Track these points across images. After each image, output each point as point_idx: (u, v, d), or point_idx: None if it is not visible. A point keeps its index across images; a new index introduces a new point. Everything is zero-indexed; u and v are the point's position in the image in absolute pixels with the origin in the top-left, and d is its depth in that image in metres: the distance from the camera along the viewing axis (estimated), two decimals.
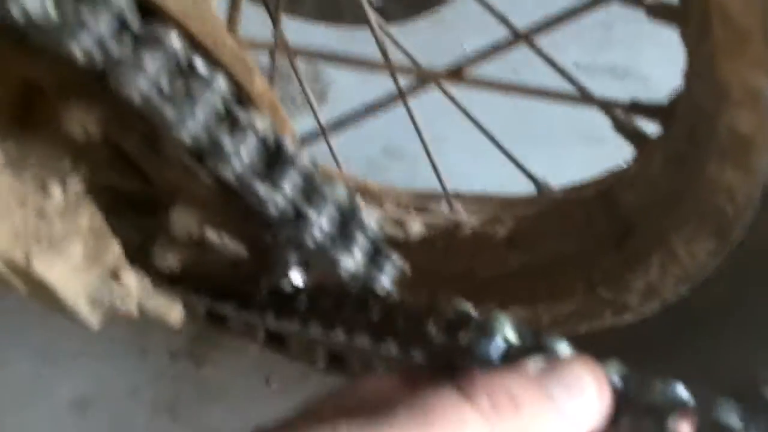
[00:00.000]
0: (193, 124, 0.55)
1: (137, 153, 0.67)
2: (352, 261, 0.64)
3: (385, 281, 0.66)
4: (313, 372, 1.26)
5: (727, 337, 0.76)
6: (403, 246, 1.05)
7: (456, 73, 0.67)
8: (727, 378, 0.79)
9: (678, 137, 0.70)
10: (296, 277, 0.74)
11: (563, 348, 0.43)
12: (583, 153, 1.47)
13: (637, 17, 0.72)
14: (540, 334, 0.50)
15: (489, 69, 0.67)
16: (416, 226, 1.09)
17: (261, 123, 0.59)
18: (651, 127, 0.77)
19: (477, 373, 0.39)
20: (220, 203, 0.68)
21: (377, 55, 1.01)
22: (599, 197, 0.85)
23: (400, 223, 1.07)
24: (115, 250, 0.69)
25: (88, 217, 0.65)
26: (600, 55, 1.66)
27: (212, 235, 0.73)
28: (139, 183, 0.72)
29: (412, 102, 0.88)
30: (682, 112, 0.68)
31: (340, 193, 0.63)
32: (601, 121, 0.79)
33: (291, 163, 0.60)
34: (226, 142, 0.57)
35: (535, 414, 0.37)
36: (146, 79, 0.53)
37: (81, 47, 0.51)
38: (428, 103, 0.93)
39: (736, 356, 0.77)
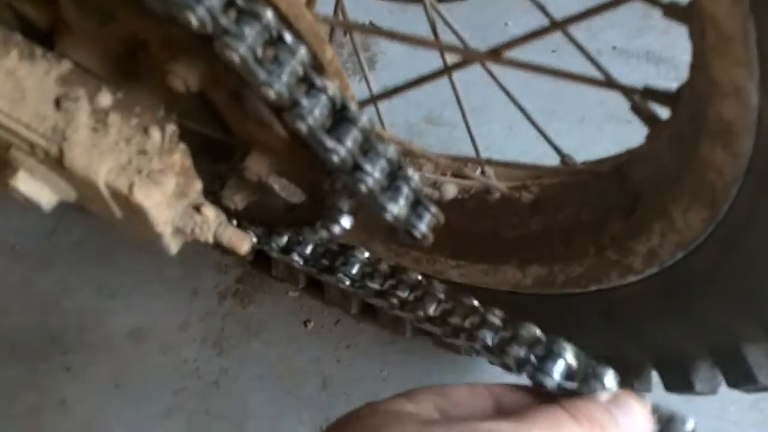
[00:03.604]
0: (278, 84, 0.68)
1: (224, 106, 0.80)
2: (396, 207, 0.76)
3: (423, 227, 0.78)
4: (346, 317, 1.40)
5: (712, 297, 0.87)
6: (436, 205, 1.17)
7: (496, 53, 0.79)
8: (710, 333, 0.92)
9: (681, 120, 0.81)
10: (346, 222, 0.87)
11: (609, 375, 0.63)
12: (612, 132, 1.59)
13: None
14: (591, 360, 0.67)
15: (529, 48, 0.78)
16: (451, 189, 1.21)
17: (331, 87, 0.71)
18: (663, 112, 0.88)
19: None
20: (290, 153, 0.81)
21: (426, 30, 1.12)
22: (614, 171, 0.97)
23: (436, 185, 1.19)
24: (198, 187, 0.82)
25: (180, 157, 0.78)
26: (637, 40, 1.76)
27: (277, 181, 0.86)
28: (221, 132, 0.85)
29: (455, 74, 0.99)
30: (686, 98, 0.80)
31: (391, 150, 0.75)
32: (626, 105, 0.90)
33: (353, 122, 0.72)
34: (304, 100, 0.69)
35: None
36: (245, 45, 0.66)
37: (197, 16, 0.64)
38: (470, 75, 1.04)
39: (719, 315, 0.88)
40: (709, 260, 0.84)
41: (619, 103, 0.92)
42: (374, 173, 0.73)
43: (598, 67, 0.93)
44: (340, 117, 0.72)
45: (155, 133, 0.77)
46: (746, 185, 0.73)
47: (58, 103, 0.77)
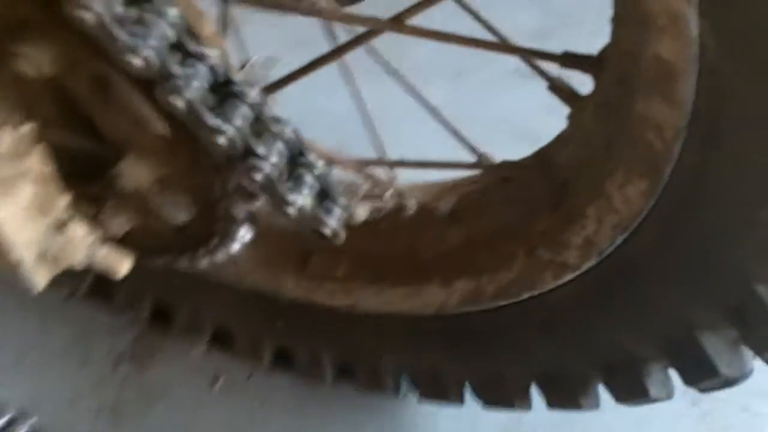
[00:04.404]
0: (145, 49, 0.56)
1: (87, 100, 0.68)
2: (300, 198, 0.65)
3: (333, 222, 0.68)
4: (258, 370, 1.27)
5: (660, 284, 0.78)
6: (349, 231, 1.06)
7: (397, 21, 0.70)
8: (662, 327, 0.82)
9: (607, 85, 0.73)
10: (245, 234, 0.75)
11: None
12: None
13: None
14: None
15: (434, 18, 0.69)
16: (361, 212, 1.10)
17: (212, 55, 0.60)
18: (583, 88, 0.81)
19: None
20: (170, 153, 0.69)
21: None
22: (537, 162, 0.88)
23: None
24: (63, 201, 0.69)
25: (38, 162, 0.65)
26: None
27: (158, 194, 0.74)
28: (87, 140, 0.73)
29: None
30: (611, 60, 0.72)
31: (288, 130, 0.64)
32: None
33: (240, 98, 0.61)
34: (178, 70, 0.58)
35: None
36: (101, 1, 0.55)
37: None
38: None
39: (670, 303, 0.80)
40: (653, 240, 0.76)
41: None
42: (271, 157, 0.62)
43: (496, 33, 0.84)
44: (224, 92, 0.61)
45: (4, 135, 0.65)
46: (690, 139, 0.65)
47: None
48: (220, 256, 0.75)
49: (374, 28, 0.71)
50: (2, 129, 0.65)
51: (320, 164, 0.66)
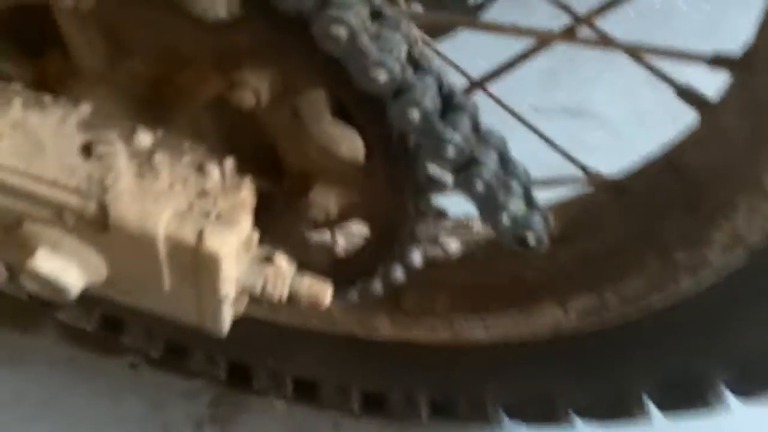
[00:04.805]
0: (392, 63, 0.57)
1: (283, 129, 0.67)
2: (515, 205, 0.65)
3: (539, 229, 0.68)
4: (344, 418, 1.25)
5: None
6: (443, 266, 1.06)
7: (569, 32, 0.72)
8: None
9: (758, 85, 0.76)
10: (417, 259, 0.75)
11: None
12: None
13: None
14: None
15: None
16: (453, 245, 1.11)
17: (435, 66, 0.61)
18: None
19: None
20: (361, 179, 0.69)
21: None
22: (662, 168, 0.90)
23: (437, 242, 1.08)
24: (256, 235, 0.68)
25: (249, 193, 0.65)
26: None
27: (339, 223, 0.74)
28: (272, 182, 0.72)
29: None
30: (761, 59, 0.75)
31: (497, 137, 0.65)
32: None
33: (462, 107, 0.62)
34: (414, 81, 0.59)
35: None
36: (353, 18, 0.55)
37: None
38: None
39: None
40: None
41: None
42: (490, 164, 0.63)
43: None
44: (448, 101, 0.61)
45: (213, 170, 0.64)
46: None
47: (87, 150, 0.63)
48: (391, 281, 0.75)
49: (547, 40, 0.73)
50: (208, 164, 0.64)
51: (524, 171, 0.66)
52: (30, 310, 1.29)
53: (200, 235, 0.61)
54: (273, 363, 1.23)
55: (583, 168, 0.98)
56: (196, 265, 0.63)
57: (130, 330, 1.24)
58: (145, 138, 0.62)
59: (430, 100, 0.59)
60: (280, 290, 0.67)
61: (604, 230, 0.97)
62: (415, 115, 0.59)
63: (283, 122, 0.66)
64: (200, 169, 0.63)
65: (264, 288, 0.67)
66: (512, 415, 1.14)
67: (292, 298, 0.69)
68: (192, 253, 0.62)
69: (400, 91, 0.58)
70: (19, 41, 0.70)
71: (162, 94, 0.67)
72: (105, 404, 1.26)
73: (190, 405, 1.27)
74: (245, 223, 0.62)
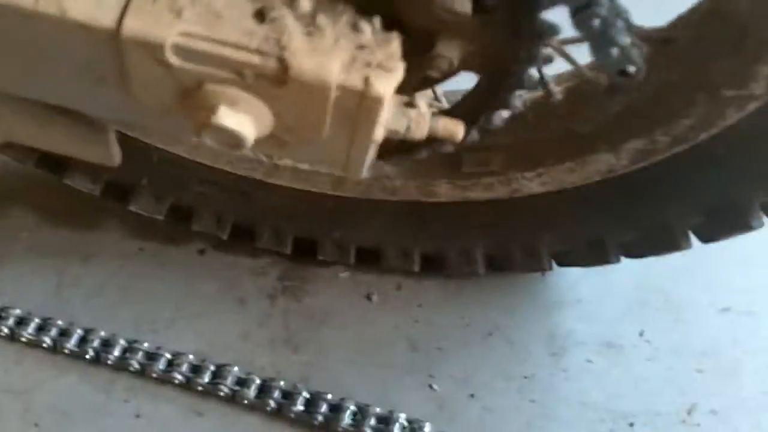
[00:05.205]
0: None
1: None
2: (622, 40, 0.76)
3: (637, 59, 0.79)
4: (406, 280, 1.37)
5: None
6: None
7: None
8: None
9: None
10: (519, 104, 0.86)
11: None
12: None
13: None
14: None
15: None
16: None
17: None
18: None
19: None
20: (478, 31, 0.79)
21: None
22: (706, 16, 1.02)
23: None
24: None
25: (398, 44, 0.74)
26: None
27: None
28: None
29: None
30: None
31: None
32: None
33: None
34: None
35: None
36: None
37: None
38: None
39: None
40: None
41: None
42: (605, 2, 0.73)
43: None
44: None
45: (366, 27, 0.73)
46: None
47: (260, 15, 0.71)
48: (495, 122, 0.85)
49: None
50: (361, 22, 0.73)
51: (625, 8, 0.77)
52: (93, 208, 1.38)
53: (366, 81, 0.71)
54: (338, 234, 1.33)
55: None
56: (360, 109, 0.73)
57: (200, 216, 1.33)
58: (305, 2, 0.71)
59: None
60: (421, 131, 0.78)
61: (651, 79, 1.08)
62: None
63: None
64: (354, 26, 0.72)
65: (408, 129, 0.77)
66: (563, 260, 1.27)
67: (430, 136, 0.79)
68: (359, 97, 0.71)
69: None
70: None
71: None
72: (181, 287, 1.36)
73: (261, 280, 1.37)
74: (400, 70, 0.72)
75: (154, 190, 1.31)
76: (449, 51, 0.79)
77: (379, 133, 0.75)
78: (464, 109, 0.88)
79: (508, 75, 0.82)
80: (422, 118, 0.77)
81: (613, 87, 1.14)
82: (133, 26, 0.69)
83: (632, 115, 1.11)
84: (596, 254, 1.22)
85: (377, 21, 0.74)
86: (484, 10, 0.76)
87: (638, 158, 1.11)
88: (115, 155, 0.96)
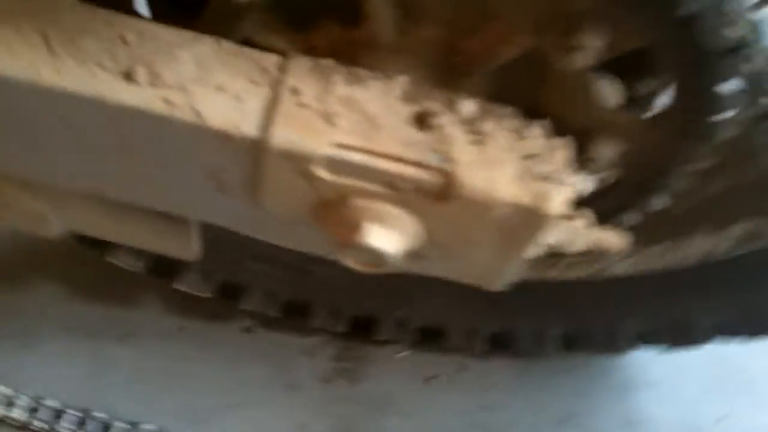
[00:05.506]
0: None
1: (579, 90, 0.69)
2: None
3: None
4: (469, 360, 1.28)
5: None
6: None
7: None
8: None
9: None
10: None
11: None
12: None
13: None
14: None
15: None
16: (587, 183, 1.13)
17: None
18: None
19: None
20: (641, 129, 0.71)
21: None
22: None
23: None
24: None
25: (566, 152, 0.66)
26: None
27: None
28: None
29: None
30: None
31: None
32: None
33: None
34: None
35: None
36: None
37: None
38: None
39: None
40: None
41: None
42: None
43: None
44: None
45: (531, 132, 0.65)
46: None
47: (420, 121, 0.63)
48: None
49: None
50: (524, 128, 0.65)
51: None
52: (128, 279, 1.27)
53: (538, 197, 0.62)
54: (400, 312, 1.24)
55: None
56: (525, 225, 0.64)
57: (252, 294, 1.23)
58: (468, 106, 0.63)
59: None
60: (579, 244, 0.69)
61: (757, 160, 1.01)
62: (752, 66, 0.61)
63: (581, 84, 0.67)
64: (519, 131, 0.64)
65: (562, 244, 0.69)
66: (648, 341, 1.19)
67: (588, 249, 0.71)
68: (527, 213, 0.63)
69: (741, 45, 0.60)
70: (285, 14, 0.69)
71: (450, 59, 0.67)
72: (225, 371, 1.26)
73: (314, 362, 1.28)
74: (572, 182, 0.64)
75: (204, 268, 1.20)
76: (609, 151, 0.71)
77: (533, 250, 0.67)
78: (596, 206, 0.80)
79: (662, 177, 0.73)
80: (580, 233, 0.68)
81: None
82: (283, 136, 0.60)
83: (732, 198, 1.04)
84: (686, 338, 1.15)
85: (544, 124, 0.65)
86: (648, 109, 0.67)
87: (742, 242, 1.04)
88: (196, 249, 0.86)
